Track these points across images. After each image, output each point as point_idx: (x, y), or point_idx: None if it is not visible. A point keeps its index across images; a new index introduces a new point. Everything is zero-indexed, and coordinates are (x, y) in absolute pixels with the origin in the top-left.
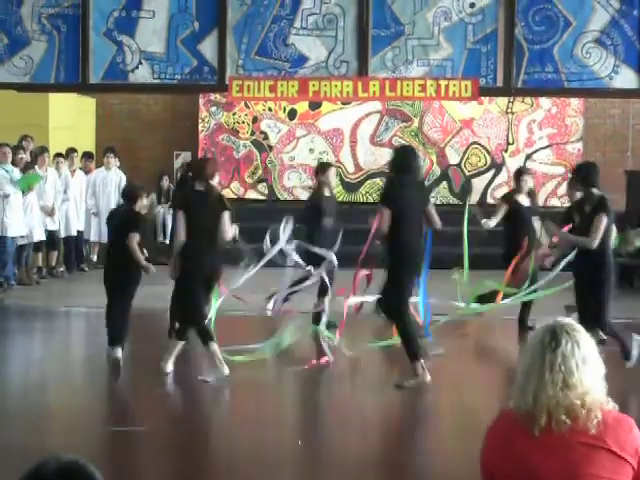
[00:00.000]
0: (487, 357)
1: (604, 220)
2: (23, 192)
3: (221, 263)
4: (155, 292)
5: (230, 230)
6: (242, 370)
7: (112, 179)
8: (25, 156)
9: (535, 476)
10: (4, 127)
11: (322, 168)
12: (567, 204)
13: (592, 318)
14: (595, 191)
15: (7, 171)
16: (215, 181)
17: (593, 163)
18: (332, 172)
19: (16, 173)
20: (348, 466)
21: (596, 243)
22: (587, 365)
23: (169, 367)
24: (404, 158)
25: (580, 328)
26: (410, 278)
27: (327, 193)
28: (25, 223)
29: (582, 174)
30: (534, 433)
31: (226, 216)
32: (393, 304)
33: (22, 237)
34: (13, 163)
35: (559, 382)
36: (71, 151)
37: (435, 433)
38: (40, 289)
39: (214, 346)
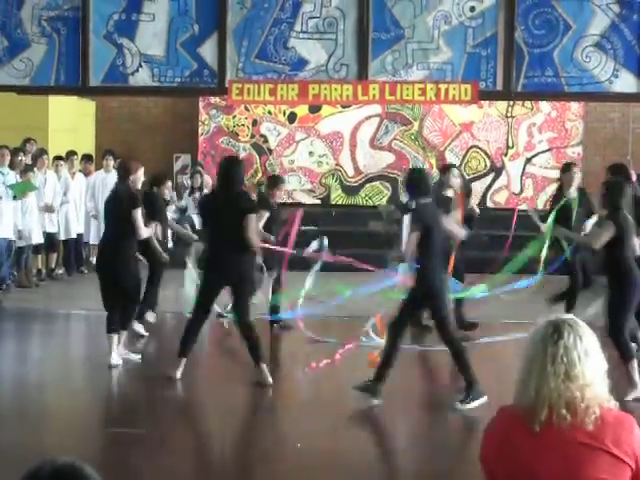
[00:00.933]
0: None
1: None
2: (15, 198)
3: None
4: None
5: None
6: (244, 371)
7: (111, 181)
8: (25, 159)
9: (533, 475)
10: (4, 129)
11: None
12: None
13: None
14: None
15: (3, 174)
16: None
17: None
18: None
19: (11, 177)
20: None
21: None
22: (589, 358)
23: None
24: (421, 180)
25: (582, 323)
26: None
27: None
28: (24, 225)
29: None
30: (534, 429)
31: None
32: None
33: (20, 239)
34: (12, 165)
35: (561, 374)
36: (71, 154)
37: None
38: (39, 291)
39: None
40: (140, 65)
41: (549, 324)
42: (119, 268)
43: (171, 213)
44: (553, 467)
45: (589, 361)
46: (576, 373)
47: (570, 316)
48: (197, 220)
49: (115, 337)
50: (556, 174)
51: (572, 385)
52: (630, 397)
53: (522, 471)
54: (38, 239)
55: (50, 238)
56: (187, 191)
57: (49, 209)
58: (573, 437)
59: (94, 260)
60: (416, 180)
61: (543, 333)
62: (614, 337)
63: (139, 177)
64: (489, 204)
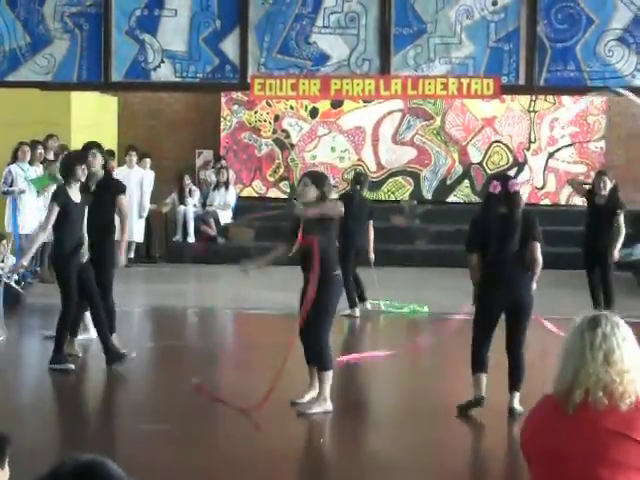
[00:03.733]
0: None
1: None
2: (38, 192)
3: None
4: (175, 290)
5: None
6: (265, 369)
7: (134, 177)
8: (47, 154)
9: (561, 456)
10: (27, 125)
11: None
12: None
13: None
14: None
15: (23, 170)
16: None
17: None
18: None
19: (31, 172)
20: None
21: None
22: (627, 343)
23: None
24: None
25: (620, 318)
26: None
27: None
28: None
29: None
30: (568, 411)
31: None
32: None
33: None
34: (32, 161)
35: (600, 358)
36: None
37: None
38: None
39: None
40: (162, 61)
41: (586, 317)
42: None
43: (192, 207)
44: (581, 450)
45: (627, 347)
46: (615, 358)
47: (606, 312)
48: (222, 215)
49: None
50: (579, 169)
51: (611, 369)
52: None
53: (552, 452)
54: None
55: None
56: (212, 186)
57: None
58: (604, 423)
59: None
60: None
61: (580, 323)
62: None
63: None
64: None
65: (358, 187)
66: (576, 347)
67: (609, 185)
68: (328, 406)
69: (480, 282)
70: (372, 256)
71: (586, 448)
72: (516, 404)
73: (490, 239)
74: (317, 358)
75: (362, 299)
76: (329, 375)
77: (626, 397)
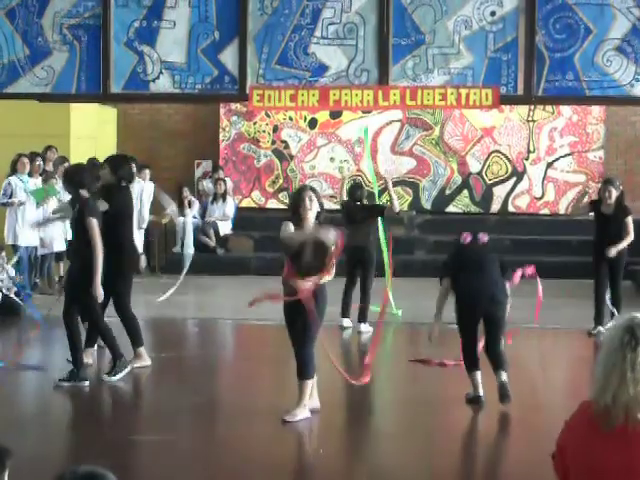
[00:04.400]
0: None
1: None
2: (38, 204)
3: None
4: (174, 301)
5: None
6: (271, 376)
7: (134, 188)
8: (46, 166)
9: (603, 471)
10: (26, 137)
11: None
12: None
13: None
14: None
15: (22, 181)
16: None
17: None
18: None
19: (31, 184)
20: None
21: None
22: None
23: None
24: None
25: None
26: None
27: None
28: (46, 233)
29: None
30: (607, 429)
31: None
32: None
33: (43, 247)
34: (31, 171)
35: None
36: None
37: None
38: (61, 299)
39: None
40: (161, 72)
41: (626, 330)
42: None
43: (192, 218)
44: (621, 465)
45: None
46: None
47: None
48: (221, 226)
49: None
50: (578, 178)
51: None
52: None
53: (592, 470)
54: (60, 247)
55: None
56: (210, 198)
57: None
58: None
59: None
60: None
61: (621, 339)
62: None
63: None
64: (511, 208)
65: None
66: (617, 366)
67: (615, 194)
68: (307, 413)
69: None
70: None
71: (626, 463)
72: (504, 377)
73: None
74: (302, 368)
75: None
76: (309, 384)
77: None
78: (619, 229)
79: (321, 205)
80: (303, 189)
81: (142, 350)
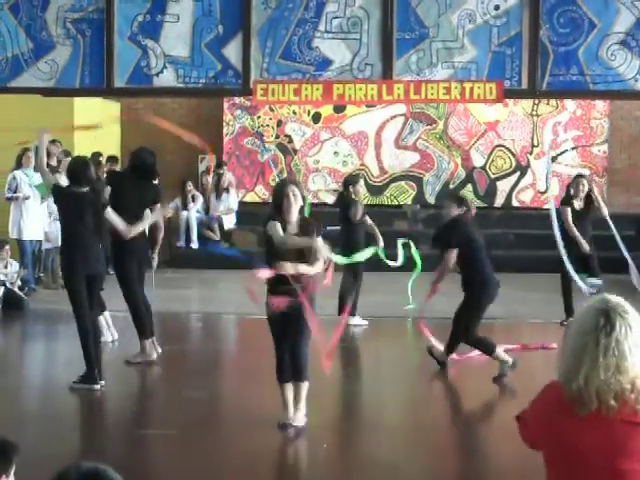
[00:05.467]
0: None
1: None
2: (43, 198)
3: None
4: (178, 295)
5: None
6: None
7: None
8: (50, 160)
9: (577, 452)
10: (29, 130)
11: None
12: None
13: None
14: None
15: (27, 175)
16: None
17: None
18: None
19: (36, 178)
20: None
21: None
22: (639, 349)
23: None
24: None
25: (630, 308)
26: None
27: None
28: (50, 227)
29: None
30: (580, 413)
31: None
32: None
33: (47, 242)
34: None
35: (612, 367)
36: (96, 155)
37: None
38: (65, 293)
39: None
40: (165, 66)
41: (600, 312)
42: None
43: (195, 213)
44: (600, 445)
45: (638, 352)
46: (627, 366)
47: (618, 301)
48: (225, 220)
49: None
50: (581, 172)
51: (622, 378)
52: None
53: (568, 450)
54: None
55: None
56: (213, 194)
57: None
58: (618, 415)
59: None
60: None
61: (595, 322)
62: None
63: None
64: (515, 203)
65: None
66: (589, 351)
67: (586, 189)
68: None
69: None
70: None
71: (603, 443)
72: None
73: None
74: (303, 370)
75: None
76: (307, 386)
77: None
78: (589, 224)
79: (304, 199)
80: (285, 184)
81: (147, 343)
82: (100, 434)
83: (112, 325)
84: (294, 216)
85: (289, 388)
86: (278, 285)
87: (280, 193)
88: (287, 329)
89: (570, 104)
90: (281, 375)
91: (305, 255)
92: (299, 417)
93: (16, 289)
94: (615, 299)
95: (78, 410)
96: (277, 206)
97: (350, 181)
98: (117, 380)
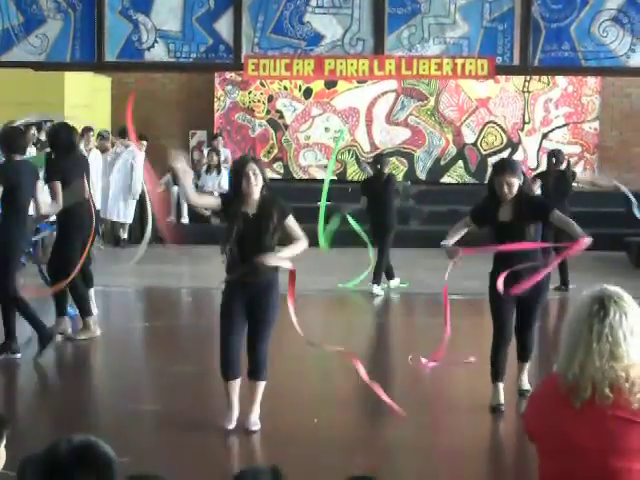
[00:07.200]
0: None
1: None
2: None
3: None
4: (168, 270)
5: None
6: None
7: (126, 159)
8: (40, 135)
9: (574, 447)
10: (20, 105)
11: None
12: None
13: None
14: None
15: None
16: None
17: None
18: None
19: (28, 153)
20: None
21: None
22: (634, 337)
23: None
24: None
25: (628, 297)
26: None
27: None
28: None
29: None
30: (575, 404)
31: None
32: None
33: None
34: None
35: (606, 353)
36: (87, 130)
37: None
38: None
39: None
40: (156, 41)
41: (595, 299)
42: None
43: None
44: (593, 441)
45: (634, 340)
46: (621, 353)
47: (615, 290)
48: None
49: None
50: (573, 149)
51: (616, 365)
52: None
53: (564, 443)
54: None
55: None
56: (204, 168)
57: None
58: (614, 413)
59: (125, 236)
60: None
61: (589, 309)
62: None
63: None
64: None
65: (379, 167)
66: (583, 338)
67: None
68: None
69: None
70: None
71: (598, 440)
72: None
73: None
74: (263, 368)
75: (390, 277)
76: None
77: (635, 392)
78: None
79: (265, 178)
80: (245, 161)
81: (90, 320)
82: (90, 408)
83: (94, 301)
84: (255, 197)
85: (237, 386)
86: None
87: (239, 172)
88: (246, 317)
89: (561, 81)
90: (228, 370)
91: (263, 235)
92: (253, 419)
93: None
94: (612, 288)
95: (64, 383)
96: (236, 186)
97: (384, 161)
98: (106, 355)
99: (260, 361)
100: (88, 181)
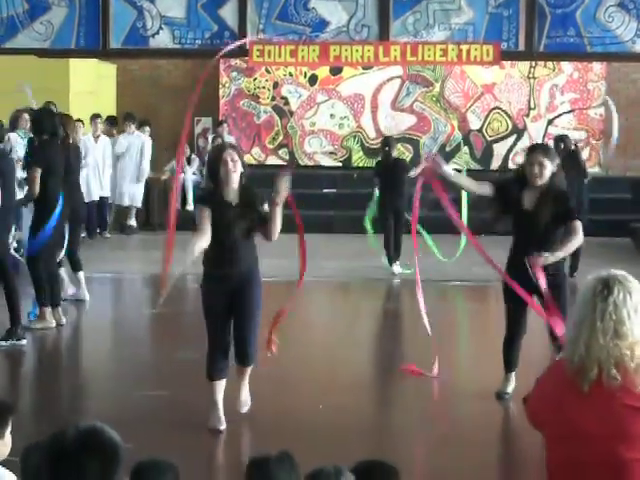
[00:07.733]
0: None
1: None
2: None
3: None
4: (173, 257)
5: None
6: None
7: (134, 144)
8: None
9: (580, 433)
10: (25, 92)
11: None
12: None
13: None
14: None
15: (22, 138)
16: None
17: None
18: None
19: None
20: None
21: None
22: (638, 315)
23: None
24: None
25: (633, 279)
26: None
27: None
28: None
29: None
30: (583, 389)
31: None
32: None
33: None
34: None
35: (610, 331)
36: (95, 117)
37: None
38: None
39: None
40: (160, 27)
41: (599, 280)
42: None
43: (192, 175)
44: (600, 426)
45: (638, 319)
46: (625, 331)
47: (621, 272)
48: None
49: None
50: (578, 135)
51: (621, 343)
52: None
53: (570, 429)
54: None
55: None
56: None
57: None
58: (620, 399)
59: (133, 223)
60: None
61: (593, 290)
62: None
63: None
64: (511, 165)
65: (387, 149)
66: (587, 317)
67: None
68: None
69: None
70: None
71: (605, 427)
72: None
73: None
74: (252, 356)
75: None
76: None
77: None
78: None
79: (244, 165)
80: (222, 148)
81: (46, 311)
82: (96, 394)
83: (84, 286)
84: (234, 185)
85: (222, 387)
86: (216, 266)
87: (216, 159)
88: (230, 311)
89: (567, 67)
90: (213, 370)
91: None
92: (243, 399)
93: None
94: (618, 271)
95: (71, 369)
96: (213, 175)
97: (392, 143)
98: (112, 341)
99: (250, 352)
100: (77, 169)
